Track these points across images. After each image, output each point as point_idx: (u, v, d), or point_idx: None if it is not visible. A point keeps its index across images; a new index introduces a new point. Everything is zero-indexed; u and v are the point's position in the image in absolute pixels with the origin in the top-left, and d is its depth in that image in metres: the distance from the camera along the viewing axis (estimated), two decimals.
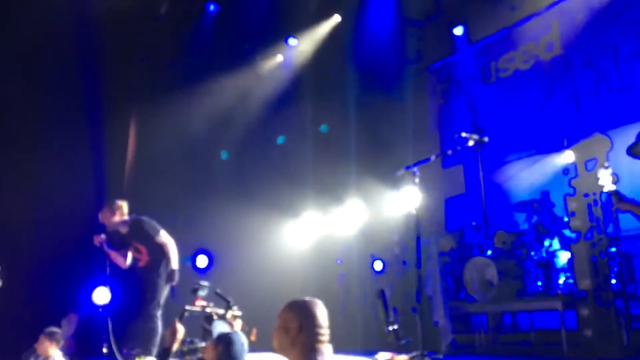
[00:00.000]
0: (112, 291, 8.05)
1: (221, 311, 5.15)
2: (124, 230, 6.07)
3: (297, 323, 2.51)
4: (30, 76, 8.59)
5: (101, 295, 8.16)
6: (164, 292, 5.94)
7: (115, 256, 6.11)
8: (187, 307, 4.73)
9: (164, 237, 5.96)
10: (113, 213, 6.04)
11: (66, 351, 6.35)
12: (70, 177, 8.54)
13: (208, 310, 5.14)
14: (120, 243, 6.13)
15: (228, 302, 5.23)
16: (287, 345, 2.51)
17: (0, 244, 7.76)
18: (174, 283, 5.96)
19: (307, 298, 2.63)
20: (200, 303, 5.19)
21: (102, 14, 8.71)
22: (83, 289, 8.00)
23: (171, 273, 5.92)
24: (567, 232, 7.05)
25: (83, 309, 7.83)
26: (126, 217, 6.11)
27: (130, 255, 6.10)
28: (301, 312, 2.54)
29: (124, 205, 6.16)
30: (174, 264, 5.93)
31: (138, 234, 6.00)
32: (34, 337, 5.78)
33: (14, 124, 8.42)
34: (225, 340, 3.67)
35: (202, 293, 5.28)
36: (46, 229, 8.23)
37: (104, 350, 6.99)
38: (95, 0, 8.68)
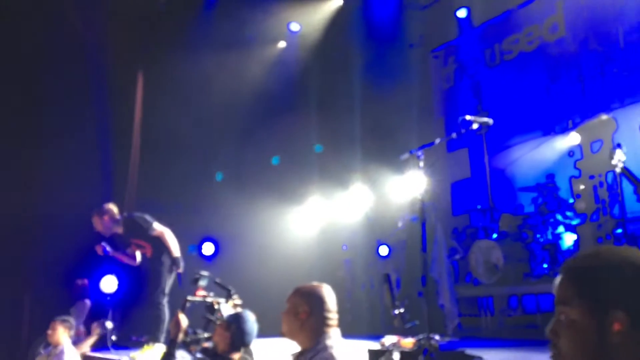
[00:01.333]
0: (119, 280, 8.12)
1: (222, 300, 5.18)
2: (119, 230, 6.11)
3: (307, 307, 2.54)
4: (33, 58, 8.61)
5: (109, 284, 8.21)
6: (169, 280, 5.98)
7: (122, 258, 6.18)
8: (189, 298, 4.77)
9: (158, 227, 6.00)
10: (102, 217, 6.07)
11: (76, 339, 6.41)
12: (76, 163, 8.58)
13: (209, 300, 5.18)
14: (122, 244, 6.19)
15: (229, 291, 5.26)
16: (296, 329, 2.54)
17: (8, 233, 7.82)
18: (180, 270, 6.01)
19: (316, 283, 2.65)
20: (201, 293, 5.23)
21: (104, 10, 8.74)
22: (91, 278, 8.06)
23: (174, 260, 5.96)
24: (572, 214, 7.04)
25: (91, 298, 7.89)
26: (117, 218, 6.13)
27: (138, 253, 6.14)
28: (310, 297, 2.57)
29: (112, 207, 6.18)
30: (175, 251, 5.97)
31: (134, 231, 6.05)
32: (44, 326, 5.83)
33: (16, 102, 8.46)
34: (238, 319, 3.71)
35: (202, 283, 5.31)
36: (52, 218, 8.28)
37: (113, 337, 7.04)
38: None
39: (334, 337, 2.52)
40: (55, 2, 8.57)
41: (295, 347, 2.69)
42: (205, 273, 5.45)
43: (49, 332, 5.71)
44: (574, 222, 6.89)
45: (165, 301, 5.88)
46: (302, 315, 2.53)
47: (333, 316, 2.56)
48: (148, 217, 6.07)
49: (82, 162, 8.75)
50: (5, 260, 7.73)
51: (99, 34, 8.97)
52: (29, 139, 8.56)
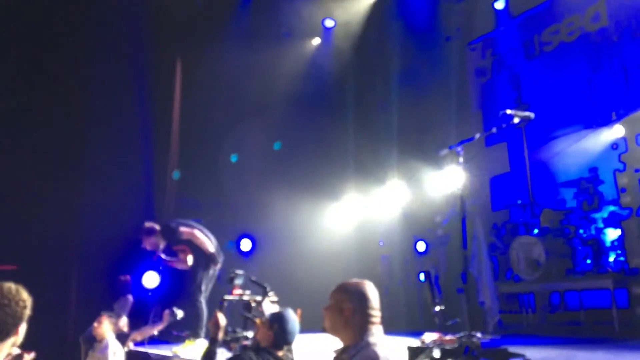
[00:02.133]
0: (161, 276, 8.28)
1: (259, 298, 5.22)
2: (163, 244, 6.24)
3: (352, 304, 2.53)
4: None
5: (151, 280, 8.38)
6: (205, 277, 6.05)
7: (175, 264, 6.27)
8: (225, 297, 4.82)
9: (184, 230, 6.10)
10: (150, 238, 6.19)
11: (119, 335, 6.55)
12: (118, 159, 8.76)
13: (245, 298, 5.22)
14: (171, 252, 6.33)
15: (265, 288, 5.30)
16: (340, 325, 2.54)
17: (54, 231, 8.04)
18: (217, 265, 6.07)
19: (359, 279, 2.65)
20: (237, 292, 5.28)
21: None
22: (133, 274, 8.23)
23: (209, 257, 6.04)
24: (616, 209, 6.85)
25: (134, 293, 8.05)
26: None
27: (189, 257, 6.21)
28: (355, 294, 2.56)
29: (152, 225, 6.30)
30: (208, 248, 6.05)
31: (169, 239, 6.16)
32: (89, 321, 5.97)
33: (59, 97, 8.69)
34: (281, 318, 3.74)
35: (238, 282, 5.36)
36: (95, 216, 8.49)
37: (155, 332, 7.17)
38: None
39: (377, 334, 2.51)
40: None
41: (335, 342, 2.70)
42: (240, 272, 5.51)
43: (95, 325, 5.85)
44: (618, 217, 6.71)
45: (202, 298, 5.96)
46: (347, 312, 2.52)
47: (376, 313, 2.56)
48: (172, 224, 6.17)
49: (124, 158, 8.93)
50: (51, 257, 7.96)
51: (139, 28, 9.12)
52: (71, 134, 8.79)
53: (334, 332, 2.58)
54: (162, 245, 6.21)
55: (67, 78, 8.78)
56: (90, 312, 6.08)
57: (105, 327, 5.82)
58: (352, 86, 11.13)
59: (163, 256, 6.23)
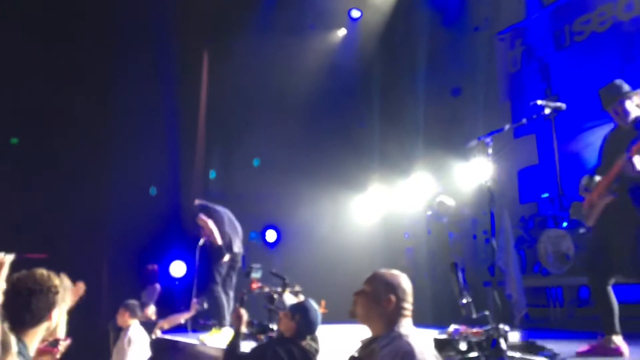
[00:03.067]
0: (187, 265, 8.38)
1: (279, 289, 5.25)
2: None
3: (393, 296, 2.53)
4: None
5: (177, 269, 8.49)
6: (219, 268, 6.12)
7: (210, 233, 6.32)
8: (245, 291, 4.87)
9: (202, 217, 6.22)
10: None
11: (147, 322, 6.65)
12: (146, 149, 8.88)
13: (266, 290, 5.25)
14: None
15: (284, 279, 5.32)
16: (375, 315, 2.53)
17: (80, 222, 8.18)
18: (226, 257, 6.11)
19: (395, 271, 2.65)
20: (255, 285, 5.31)
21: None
22: (160, 263, 8.35)
23: (218, 249, 6.11)
24: None
25: (161, 282, 8.18)
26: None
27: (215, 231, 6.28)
28: (396, 286, 2.56)
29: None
30: (217, 240, 6.12)
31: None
32: (118, 308, 6.09)
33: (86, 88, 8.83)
34: (302, 309, 3.78)
35: (255, 275, 5.41)
36: (123, 206, 8.62)
37: (182, 320, 7.27)
38: None
39: (407, 326, 2.51)
40: None
41: (360, 331, 2.69)
42: (257, 265, 5.55)
43: (118, 315, 5.97)
44: None
45: (219, 288, 6.02)
46: (385, 303, 2.51)
47: (410, 307, 2.57)
48: (200, 206, 6.28)
49: (151, 148, 9.05)
50: (81, 246, 8.12)
51: (166, 20, 9.20)
52: (99, 127, 8.93)
53: (366, 320, 2.56)
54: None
55: (95, 71, 8.91)
56: (120, 300, 6.19)
57: (125, 316, 5.92)
58: (378, 77, 11.07)
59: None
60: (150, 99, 9.18)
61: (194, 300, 6.55)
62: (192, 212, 6.40)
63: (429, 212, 9.11)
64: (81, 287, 3.68)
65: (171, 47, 9.50)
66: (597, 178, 4.38)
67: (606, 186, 4.24)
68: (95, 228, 8.67)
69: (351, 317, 2.63)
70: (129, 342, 5.81)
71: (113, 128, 9.01)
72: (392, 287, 2.54)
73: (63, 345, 2.89)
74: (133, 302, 6.14)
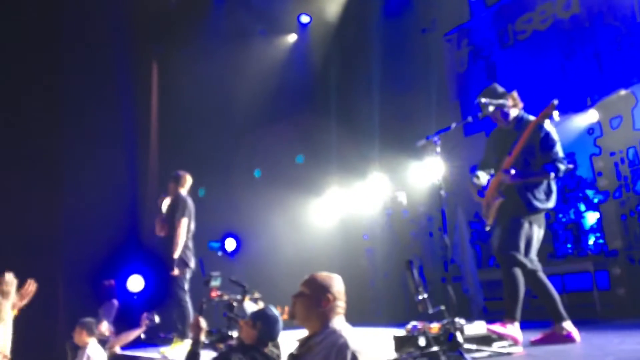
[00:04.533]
0: (145, 279, 8.24)
1: (239, 297, 5.24)
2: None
3: (331, 296, 2.71)
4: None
5: (135, 283, 8.34)
6: (184, 276, 6.08)
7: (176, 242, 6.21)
8: (204, 299, 4.84)
9: (182, 222, 6.12)
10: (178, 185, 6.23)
11: (107, 339, 6.51)
12: (101, 164, 8.72)
13: (225, 298, 5.23)
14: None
15: (244, 287, 5.32)
16: (314, 315, 2.70)
17: (32, 236, 7.96)
18: (174, 273, 6.06)
19: (329, 273, 2.83)
20: (215, 293, 5.29)
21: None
22: (117, 278, 8.18)
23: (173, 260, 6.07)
24: (594, 193, 6.97)
25: (119, 297, 8.02)
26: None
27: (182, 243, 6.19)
28: (333, 287, 2.74)
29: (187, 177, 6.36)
30: (175, 252, 6.07)
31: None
32: (74, 326, 5.94)
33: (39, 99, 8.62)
34: (263, 316, 3.77)
35: (215, 283, 5.38)
36: (78, 220, 8.43)
37: (142, 336, 7.15)
38: None
39: (340, 322, 2.69)
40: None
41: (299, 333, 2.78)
42: (216, 273, 5.51)
43: (74, 334, 5.83)
44: (596, 200, 6.82)
45: (187, 297, 5.97)
46: (325, 303, 2.68)
47: (343, 305, 2.76)
48: (185, 204, 6.19)
49: (106, 161, 8.88)
50: (35, 263, 7.88)
51: (115, 29, 9.06)
52: (51, 140, 8.73)
53: (305, 320, 2.73)
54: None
55: (46, 84, 8.71)
56: (77, 318, 6.05)
57: (82, 335, 5.79)
58: (333, 81, 11.15)
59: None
60: (103, 110, 9.02)
61: (144, 314, 6.46)
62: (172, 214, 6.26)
63: (389, 210, 9.23)
64: (31, 285, 3.54)
65: (122, 56, 9.35)
66: (481, 175, 4.64)
67: (496, 188, 4.51)
68: (48, 243, 8.43)
69: (291, 319, 2.83)
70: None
71: (65, 142, 8.81)
72: (329, 288, 2.73)
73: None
74: (90, 319, 6.01)
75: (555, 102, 4.29)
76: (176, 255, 6.05)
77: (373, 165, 9.97)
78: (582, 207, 6.99)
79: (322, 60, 11.18)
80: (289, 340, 3.97)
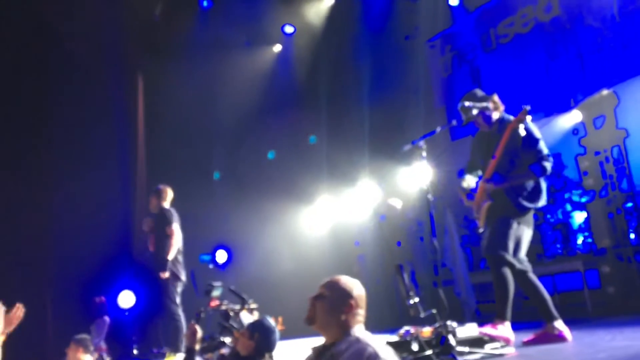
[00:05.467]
0: (136, 295, 8.18)
1: (237, 307, 5.22)
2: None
3: (354, 302, 2.51)
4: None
5: (126, 299, 8.28)
6: (176, 289, 6.06)
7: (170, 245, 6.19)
8: (202, 309, 4.82)
9: (175, 228, 6.14)
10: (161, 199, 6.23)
11: (99, 357, 6.44)
12: (91, 177, 8.68)
13: (223, 307, 5.21)
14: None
15: (243, 299, 5.30)
16: (334, 321, 2.49)
17: (21, 253, 7.89)
18: (164, 275, 6.03)
19: (351, 278, 2.63)
20: (215, 303, 5.27)
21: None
22: (108, 294, 8.12)
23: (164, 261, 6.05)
24: (580, 192, 7.03)
25: (110, 314, 7.96)
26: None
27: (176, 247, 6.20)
28: (355, 293, 2.54)
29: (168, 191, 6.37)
30: (170, 254, 6.06)
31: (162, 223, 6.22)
32: (65, 344, 5.87)
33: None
34: (261, 327, 3.74)
35: (216, 293, 5.36)
36: (68, 235, 8.37)
37: (135, 352, 7.10)
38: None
39: (362, 331, 2.50)
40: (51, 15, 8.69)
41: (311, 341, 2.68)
42: (217, 283, 5.49)
43: (68, 353, 5.74)
44: (583, 200, 6.88)
45: (180, 311, 5.94)
46: (347, 309, 2.49)
47: (363, 313, 2.56)
48: (172, 214, 6.19)
49: (95, 176, 8.83)
50: (24, 281, 7.81)
51: (100, 41, 9.05)
52: (39, 153, 8.70)
53: (325, 325, 2.52)
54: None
55: (33, 100, 8.67)
56: (67, 336, 5.98)
57: (78, 352, 5.71)
58: (320, 89, 11.19)
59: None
60: (92, 126, 8.98)
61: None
62: (164, 217, 6.24)
63: (381, 215, 9.25)
64: (19, 310, 3.45)
65: (106, 69, 9.34)
66: (469, 178, 4.70)
67: (484, 190, 4.55)
68: (37, 260, 8.35)
69: (308, 324, 2.57)
70: None
71: (55, 156, 8.76)
72: (351, 293, 2.53)
73: None
74: (84, 336, 5.93)
75: (527, 107, 4.34)
76: (170, 256, 6.03)
77: (363, 171, 9.99)
78: (569, 207, 7.04)
79: (308, 69, 11.21)
80: (283, 350, 3.96)
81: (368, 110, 10.37)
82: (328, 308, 2.50)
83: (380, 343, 2.43)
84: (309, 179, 10.67)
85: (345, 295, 2.51)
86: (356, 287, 2.57)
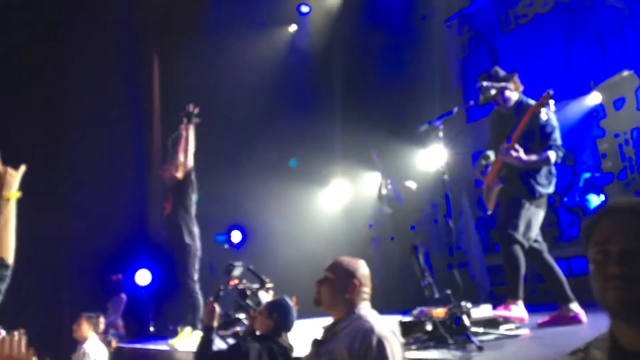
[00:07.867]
0: (152, 272, 8.28)
1: (255, 286, 5.26)
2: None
3: (357, 281, 2.65)
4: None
5: (143, 277, 8.39)
6: (194, 266, 6.07)
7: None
8: (222, 287, 4.85)
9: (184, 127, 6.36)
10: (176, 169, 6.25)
11: (116, 333, 6.54)
12: (107, 160, 8.74)
13: (241, 286, 5.25)
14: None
15: (262, 280, 5.33)
16: (339, 301, 2.64)
17: (39, 233, 8.00)
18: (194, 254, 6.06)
19: (355, 257, 2.78)
20: (234, 282, 5.31)
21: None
22: (125, 272, 8.23)
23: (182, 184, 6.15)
24: (599, 175, 6.96)
25: (127, 291, 8.07)
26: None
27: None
28: (359, 272, 2.69)
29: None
30: (188, 160, 6.22)
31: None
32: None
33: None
34: (279, 307, 3.79)
35: (236, 273, 5.39)
36: (86, 216, 8.46)
37: (151, 329, 7.19)
38: None
39: (366, 308, 2.65)
40: None
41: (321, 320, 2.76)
42: (238, 263, 5.52)
43: (75, 327, 5.82)
44: (601, 183, 6.81)
45: (197, 288, 5.98)
46: (350, 289, 2.63)
47: (368, 290, 2.70)
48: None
49: (111, 156, 8.89)
50: (41, 259, 7.93)
51: (116, 25, 9.05)
52: (55, 135, 8.76)
53: (331, 306, 2.67)
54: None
55: (48, 89, 8.73)
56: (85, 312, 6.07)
57: (85, 329, 5.79)
58: (336, 70, 11.13)
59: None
60: (108, 106, 9.02)
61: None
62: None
63: (397, 195, 9.22)
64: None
65: (122, 51, 9.35)
66: (492, 154, 4.63)
67: (496, 172, 4.49)
68: (55, 240, 8.47)
69: (315, 305, 2.73)
70: (84, 355, 5.69)
71: (70, 138, 8.83)
72: (354, 273, 2.67)
73: None
74: (91, 314, 6.00)
75: (551, 92, 4.27)
76: (190, 161, 6.07)
77: (378, 153, 9.94)
78: (588, 190, 6.97)
79: (325, 49, 11.14)
80: (298, 330, 4.00)
81: (383, 91, 10.30)
82: (332, 289, 2.66)
83: (380, 320, 2.57)
84: (323, 161, 10.66)
85: (348, 276, 2.65)
86: (360, 267, 2.71)
